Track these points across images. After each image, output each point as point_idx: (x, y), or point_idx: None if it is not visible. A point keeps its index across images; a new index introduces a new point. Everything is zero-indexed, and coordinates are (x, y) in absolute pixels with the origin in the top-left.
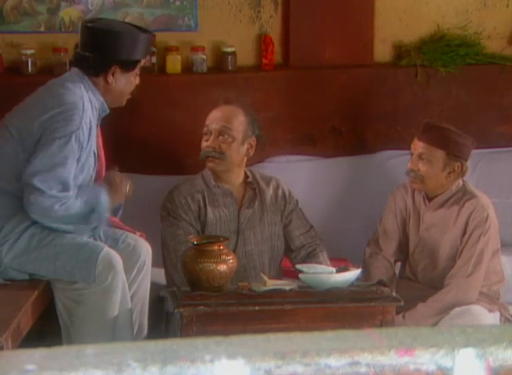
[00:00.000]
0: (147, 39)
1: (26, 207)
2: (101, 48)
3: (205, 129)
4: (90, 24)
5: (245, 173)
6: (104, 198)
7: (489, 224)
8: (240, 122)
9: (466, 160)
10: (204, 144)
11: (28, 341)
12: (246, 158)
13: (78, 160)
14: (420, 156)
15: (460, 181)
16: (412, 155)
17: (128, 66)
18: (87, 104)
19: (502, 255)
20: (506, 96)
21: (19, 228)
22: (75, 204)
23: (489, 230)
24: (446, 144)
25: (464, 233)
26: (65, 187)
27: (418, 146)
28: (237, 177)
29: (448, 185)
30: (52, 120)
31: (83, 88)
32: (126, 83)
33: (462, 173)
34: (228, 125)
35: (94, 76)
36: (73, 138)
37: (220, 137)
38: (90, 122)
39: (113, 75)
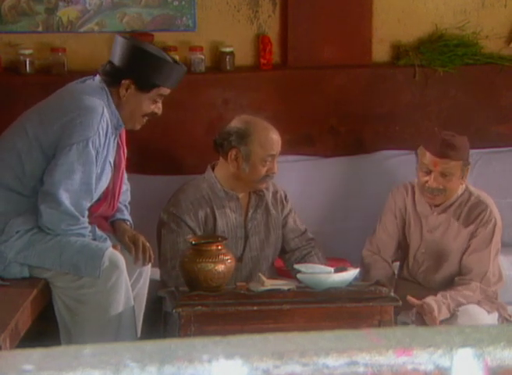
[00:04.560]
0: (177, 70)
1: (38, 215)
2: (124, 61)
3: (269, 158)
4: (127, 39)
5: None
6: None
7: (497, 230)
8: None
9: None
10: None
11: (26, 340)
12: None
13: (96, 165)
14: (443, 173)
15: (463, 184)
16: (429, 172)
17: (143, 85)
18: (105, 111)
19: (500, 255)
20: (504, 96)
21: (24, 226)
22: (79, 230)
23: (496, 236)
24: (462, 154)
25: (471, 237)
26: (86, 194)
27: (439, 163)
28: (246, 186)
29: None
30: (71, 123)
31: (102, 97)
32: (137, 103)
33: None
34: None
35: (110, 85)
36: (90, 144)
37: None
38: (108, 128)
39: (127, 90)
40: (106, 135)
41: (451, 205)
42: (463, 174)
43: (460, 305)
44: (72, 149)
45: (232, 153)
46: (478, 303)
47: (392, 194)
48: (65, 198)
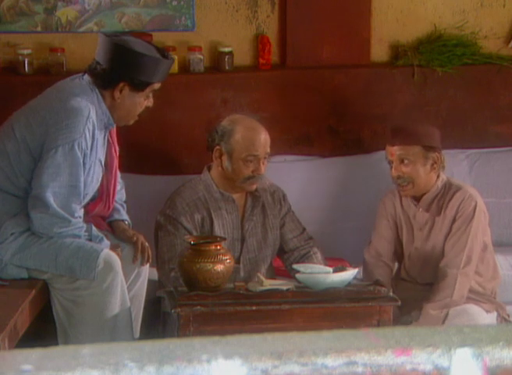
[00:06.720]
0: (166, 64)
1: (30, 221)
2: (113, 63)
3: (252, 157)
4: (109, 36)
5: None
6: (104, 246)
7: (478, 212)
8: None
9: (441, 149)
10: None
11: (25, 341)
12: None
13: (84, 166)
14: (400, 160)
15: (444, 177)
16: (391, 163)
17: (138, 85)
18: (92, 112)
19: (498, 254)
20: (502, 96)
21: (19, 228)
22: (73, 232)
23: (478, 218)
24: (417, 139)
25: (453, 222)
26: (75, 197)
27: (394, 151)
28: (235, 186)
29: (434, 180)
30: (57, 125)
31: (90, 97)
32: (133, 103)
33: (443, 165)
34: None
35: (102, 88)
36: (76, 146)
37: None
38: (94, 129)
39: (121, 92)
40: (93, 137)
41: (434, 198)
42: (428, 161)
43: (449, 305)
44: (58, 151)
45: (216, 150)
46: (477, 303)
47: (382, 201)
48: (52, 200)
